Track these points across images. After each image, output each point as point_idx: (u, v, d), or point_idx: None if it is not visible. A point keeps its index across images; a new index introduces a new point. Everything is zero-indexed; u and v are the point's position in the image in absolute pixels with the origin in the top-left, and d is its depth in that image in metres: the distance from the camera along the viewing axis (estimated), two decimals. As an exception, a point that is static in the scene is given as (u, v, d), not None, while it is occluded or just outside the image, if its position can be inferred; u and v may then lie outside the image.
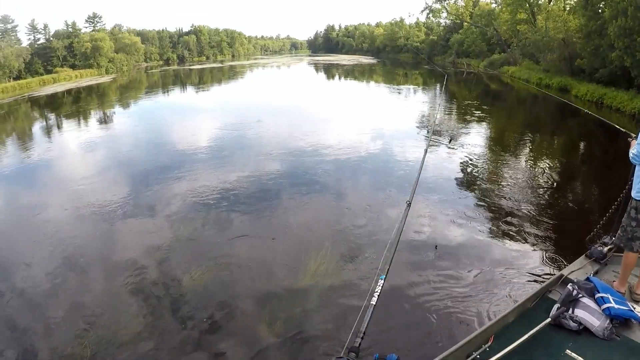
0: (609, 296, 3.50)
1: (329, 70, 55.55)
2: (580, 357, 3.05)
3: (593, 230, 4.71)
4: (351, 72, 51.61)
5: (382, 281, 2.38)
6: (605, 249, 4.41)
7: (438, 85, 34.56)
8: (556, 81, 26.48)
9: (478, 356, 3.13)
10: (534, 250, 6.76)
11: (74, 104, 30.80)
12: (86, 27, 67.55)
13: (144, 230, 8.18)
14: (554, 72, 28.24)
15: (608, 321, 3.34)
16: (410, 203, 3.41)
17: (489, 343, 3.22)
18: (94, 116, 24.39)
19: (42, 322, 5.52)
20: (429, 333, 4.96)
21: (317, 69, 60.41)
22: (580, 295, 3.56)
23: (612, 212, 4.69)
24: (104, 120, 23.08)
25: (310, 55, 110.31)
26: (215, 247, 7.30)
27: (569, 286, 3.64)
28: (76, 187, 11.05)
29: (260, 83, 41.07)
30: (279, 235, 7.60)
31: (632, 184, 3.98)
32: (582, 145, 14.88)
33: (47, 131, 20.87)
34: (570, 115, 19.39)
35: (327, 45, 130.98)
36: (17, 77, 46.61)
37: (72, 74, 52.75)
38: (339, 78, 46.33)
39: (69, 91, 38.97)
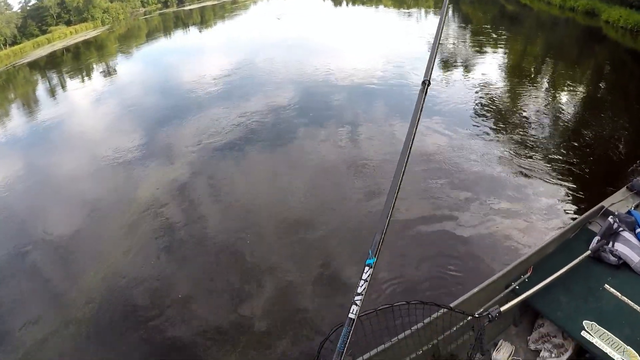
0: None
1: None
2: (618, 293, 3.01)
3: (636, 163, 4.61)
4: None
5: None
6: None
7: (451, 7, 32.33)
8: (582, 3, 22.71)
9: (517, 287, 3.14)
10: (569, 180, 6.65)
11: (74, 61, 30.36)
12: (77, -20, 64.22)
13: (162, 170, 9.06)
14: (578, -8, 25.18)
15: None
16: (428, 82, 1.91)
17: (528, 274, 3.22)
18: (97, 70, 24.20)
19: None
20: (470, 262, 5.15)
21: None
22: (620, 229, 3.44)
23: None
24: (109, 73, 22.93)
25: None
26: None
27: (610, 219, 3.53)
28: (94, 138, 11.86)
29: (266, 16, 39.09)
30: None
31: None
32: (613, 76, 13.26)
33: (52, 91, 20.98)
34: (599, 42, 17.45)
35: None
36: (13, 43, 45.77)
37: (66, 31, 50.61)
38: (346, 4, 43.62)
39: (67, 49, 37.98)
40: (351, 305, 1.53)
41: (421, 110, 1.79)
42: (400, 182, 1.61)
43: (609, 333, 2.75)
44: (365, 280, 1.54)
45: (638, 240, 3.38)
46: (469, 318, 2.70)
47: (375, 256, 1.55)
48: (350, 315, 1.51)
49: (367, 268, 1.55)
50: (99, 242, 6.91)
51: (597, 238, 3.44)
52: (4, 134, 14.69)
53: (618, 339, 2.71)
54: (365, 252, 1.53)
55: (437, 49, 2.05)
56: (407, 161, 1.64)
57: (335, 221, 6.43)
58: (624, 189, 4.28)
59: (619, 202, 4.02)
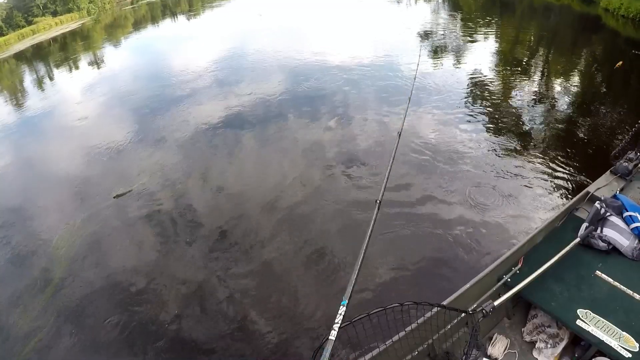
0: (638, 215, 3.37)
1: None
2: (610, 279, 3.00)
3: (618, 146, 4.49)
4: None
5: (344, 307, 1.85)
6: (631, 165, 4.21)
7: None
8: None
9: (509, 279, 3.11)
10: (555, 166, 6.65)
11: (60, 52, 29.75)
12: (64, -31, 62.72)
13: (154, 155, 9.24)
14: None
15: (637, 241, 3.23)
16: (379, 202, 2.58)
17: (519, 265, 3.19)
18: (85, 61, 23.91)
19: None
20: (459, 256, 5.12)
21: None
22: (608, 214, 3.42)
23: (638, 127, 4.44)
24: (96, 63, 22.71)
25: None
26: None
27: (597, 204, 3.50)
28: (84, 127, 12.03)
29: (255, 2, 38.65)
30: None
31: None
32: (612, 68, 11.59)
33: (39, 83, 20.75)
34: (596, 31, 16.39)
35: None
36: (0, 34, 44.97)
37: (51, 22, 49.56)
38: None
39: (44, 44, 37.10)
40: (330, 330, 1.75)
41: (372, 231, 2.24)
42: (372, 231, 1.99)
43: (604, 320, 2.73)
44: (341, 314, 1.81)
45: (626, 224, 3.36)
46: (463, 315, 2.68)
47: (347, 299, 1.85)
48: (330, 337, 1.72)
49: (341, 307, 1.83)
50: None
51: (585, 224, 3.41)
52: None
53: (613, 325, 2.69)
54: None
55: (390, 171, 2.59)
56: (375, 221, 2.04)
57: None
58: (608, 172, 4.26)
59: (604, 186, 4.02)
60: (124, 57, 23.27)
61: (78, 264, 6.31)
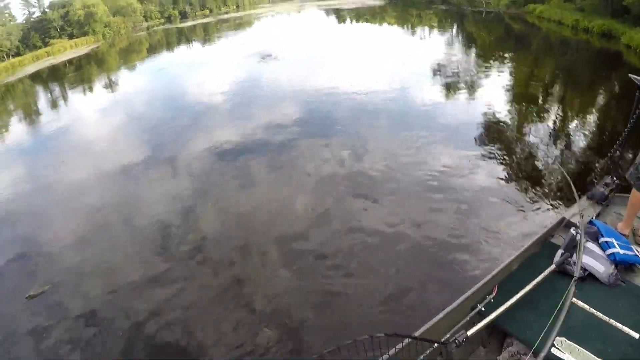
0: (614, 240, 3.36)
1: (335, 14, 51.54)
2: (585, 305, 2.98)
3: (594, 171, 4.51)
4: (362, 16, 47.84)
5: None
6: (607, 189, 4.21)
7: (455, 26, 32.18)
8: (598, 24, 20.50)
9: (483, 308, 3.05)
10: (534, 193, 6.77)
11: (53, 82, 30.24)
12: (81, -7, 64.55)
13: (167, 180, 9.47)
14: (590, 12, 22.88)
15: (613, 267, 3.21)
16: None
17: (493, 294, 3.14)
18: (99, 84, 24.72)
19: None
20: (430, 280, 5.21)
21: (318, 14, 56.54)
22: (584, 240, 3.37)
23: (612, 152, 4.45)
24: (110, 87, 23.43)
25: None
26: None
27: (572, 230, 3.47)
28: (102, 148, 12.45)
29: (268, 32, 39.20)
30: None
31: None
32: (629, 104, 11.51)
33: (54, 103, 21.74)
34: (615, 67, 15.32)
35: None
36: (17, 54, 46.62)
37: (66, 45, 50.79)
38: (350, 21, 43.11)
39: (52, 68, 37.83)
40: None
41: None
42: None
43: (580, 347, 2.68)
44: None
45: (602, 250, 3.35)
46: (436, 345, 2.65)
47: None
48: None
49: None
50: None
51: (560, 251, 3.38)
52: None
53: (589, 353, 2.64)
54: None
55: None
56: None
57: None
58: (584, 198, 4.23)
59: (580, 212, 3.94)
60: (134, 84, 23.63)
61: None
